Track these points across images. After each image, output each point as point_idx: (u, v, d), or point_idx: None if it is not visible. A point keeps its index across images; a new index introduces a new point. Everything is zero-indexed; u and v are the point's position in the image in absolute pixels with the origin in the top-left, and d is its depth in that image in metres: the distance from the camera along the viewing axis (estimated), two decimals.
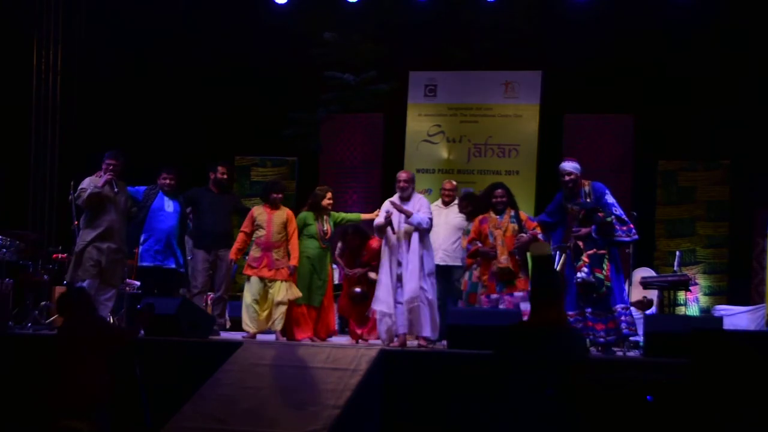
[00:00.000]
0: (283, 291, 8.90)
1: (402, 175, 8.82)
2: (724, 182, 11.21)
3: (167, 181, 9.46)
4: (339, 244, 9.36)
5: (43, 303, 9.96)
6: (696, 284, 10.83)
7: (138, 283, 10.05)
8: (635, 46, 11.29)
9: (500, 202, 8.66)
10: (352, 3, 12.08)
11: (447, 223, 9.40)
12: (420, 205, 8.63)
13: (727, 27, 11.15)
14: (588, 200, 8.34)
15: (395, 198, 8.72)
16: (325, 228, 9.07)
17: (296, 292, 8.92)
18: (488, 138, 11.68)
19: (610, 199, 8.33)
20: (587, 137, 11.32)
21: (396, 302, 8.46)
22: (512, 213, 8.64)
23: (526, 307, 8.41)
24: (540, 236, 8.54)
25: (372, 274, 8.96)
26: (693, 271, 10.90)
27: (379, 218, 8.66)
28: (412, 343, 8.58)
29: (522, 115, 11.59)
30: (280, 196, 9.13)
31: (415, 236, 8.51)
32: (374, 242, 9.12)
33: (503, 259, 8.45)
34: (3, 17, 12.07)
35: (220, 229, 9.55)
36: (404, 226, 8.54)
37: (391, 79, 12.20)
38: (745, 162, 11.22)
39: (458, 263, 9.25)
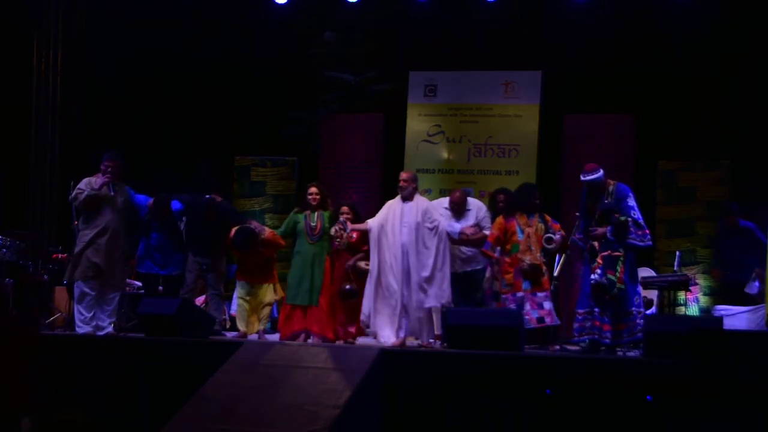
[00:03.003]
0: (270, 293, 9.03)
1: (402, 174, 8.85)
2: (724, 182, 11.18)
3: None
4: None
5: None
6: (696, 284, 10.81)
7: (138, 283, 10.08)
8: (635, 46, 11.29)
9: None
10: (352, 3, 12.07)
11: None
12: (425, 207, 8.64)
13: (727, 27, 11.15)
14: (608, 200, 8.33)
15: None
16: (313, 224, 9.00)
17: (280, 293, 9.10)
18: (488, 138, 11.65)
19: (631, 202, 8.29)
20: (587, 137, 11.28)
21: (402, 307, 8.46)
22: (539, 214, 8.80)
23: (549, 306, 8.46)
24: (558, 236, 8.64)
25: (362, 264, 8.85)
26: (693, 271, 10.87)
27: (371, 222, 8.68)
28: (411, 343, 8.58)
29: (522, 115, 11.56)
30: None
31: (422, 240, 8.55)
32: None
33: (528, 258, 8.51)
34: (3, 17, 12.07)
35: (202, 236, 9.38)
36: (405, 231, 8.52)
37: (391, 79, 12.19)
38: (745, 162, 11.20)
39: (478, 266, 9.14)
